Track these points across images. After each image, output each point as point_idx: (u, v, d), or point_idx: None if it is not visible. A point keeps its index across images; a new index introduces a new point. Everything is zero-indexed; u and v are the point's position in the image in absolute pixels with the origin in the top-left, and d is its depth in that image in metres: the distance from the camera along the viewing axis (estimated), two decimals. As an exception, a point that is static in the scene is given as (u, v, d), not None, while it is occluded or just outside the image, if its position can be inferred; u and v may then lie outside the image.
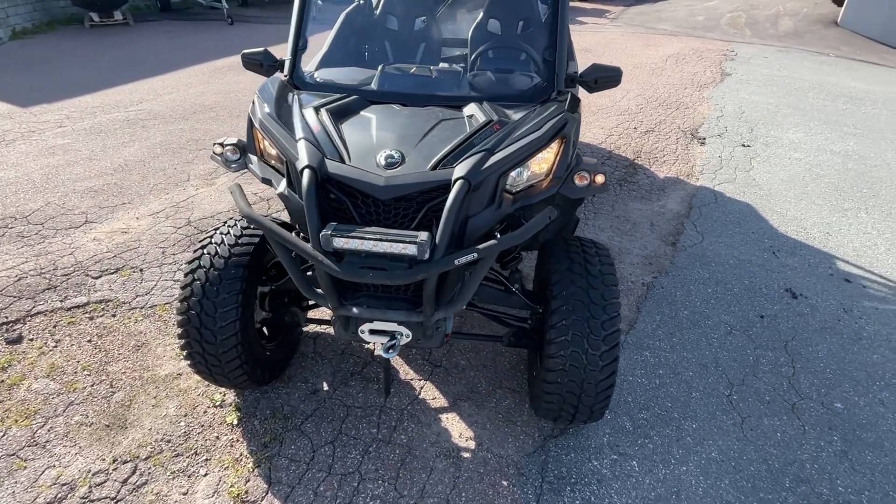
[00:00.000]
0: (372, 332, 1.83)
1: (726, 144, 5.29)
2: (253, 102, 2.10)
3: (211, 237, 2.06)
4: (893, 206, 4.22)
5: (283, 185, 1.86)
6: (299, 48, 2.36)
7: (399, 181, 1.66)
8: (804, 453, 2.14)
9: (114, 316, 2.82)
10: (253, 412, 2.24)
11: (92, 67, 7.55)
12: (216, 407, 2.27)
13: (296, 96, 2.13)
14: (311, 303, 2.47)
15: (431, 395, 2.35)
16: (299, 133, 1.83)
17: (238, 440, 2.12)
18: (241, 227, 2.09)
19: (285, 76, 2.30)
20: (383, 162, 1.72)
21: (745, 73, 8.05)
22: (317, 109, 1.97)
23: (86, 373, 2.45)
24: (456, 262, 1.59)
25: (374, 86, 2.23)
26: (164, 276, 3.13)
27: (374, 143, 1.80)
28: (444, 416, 2.25)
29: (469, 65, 2.59)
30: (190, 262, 1.99)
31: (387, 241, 1.59)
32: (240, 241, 2.03)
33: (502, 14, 3.19)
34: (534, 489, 1.94)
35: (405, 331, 1.79)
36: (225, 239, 2.03)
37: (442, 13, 3.34)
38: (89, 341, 2.64)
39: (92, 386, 2.38)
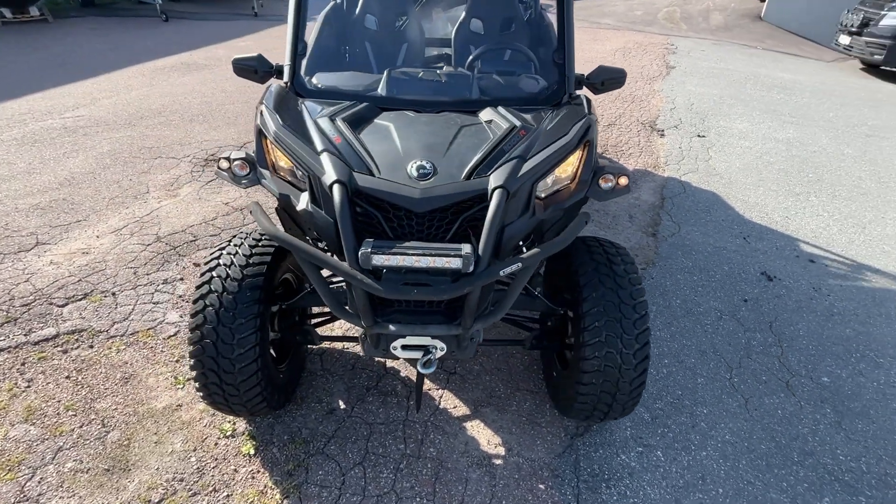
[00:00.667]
0: (404, 347, 1.78)
1: (683, 135, 5.56)
2: (261, 113, 1.97)
3: (218, 258, 1.93)
4: (837, 189, 4.60)
5: (305, 202, 1.76)
6: (299, 53, 2.24)
7: (435, 193, 1.62)
8: (804, 427, 2.30)
9: (91, 347, 2.58)
10: (269, 439, 2.13)
11: (12, 70, 6.85)
12: (227, 437, 2.14)
13: (303, 105, 2.01)
14: (320, 319, 2.38)
15: (452, 403, 2.33)
16: (320, 145, 1.74)
17: (259, 471, 2.01)
18: (249, 246, 1.97)
19: (285, 83, 2.18)
20: (415, 173, 1.66)
21: (687, 65, 8.48)
22: (331, 119, 1.88)
23: (70, 413, 2.23)
24: (501, 272, 1.57)
25: (382, 92, 2.15)
26: (140, 298, 2.90)
27: (401, 154, 1.74)
28: (468, 425, 2.23)
29: (467, 66, 2.56)
30: (199, 287, 1.85)
31: (430, 255, 1.54)
32: (251, 261, 1.90)
33: (485, 14, 3.17)
34: (571, 489, 1.97)
35: (439, 344, 1.75)
36: (235, 259, 1.90)
37: (422, 12, 3.27)
38: (68, 377, 2.41)
39: (81, 427, 2.17)
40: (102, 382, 2.39)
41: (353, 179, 1.63)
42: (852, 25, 9.11)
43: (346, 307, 1.73)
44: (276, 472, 2.00)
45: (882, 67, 9.09)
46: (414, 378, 2.43)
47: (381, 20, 3.17)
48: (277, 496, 1.91)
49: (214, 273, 1.86)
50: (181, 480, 1.97)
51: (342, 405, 2.29)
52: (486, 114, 2.01)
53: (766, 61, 9.41)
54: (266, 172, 1.92)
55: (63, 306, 2.82)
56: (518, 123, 1.86)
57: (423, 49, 3.27)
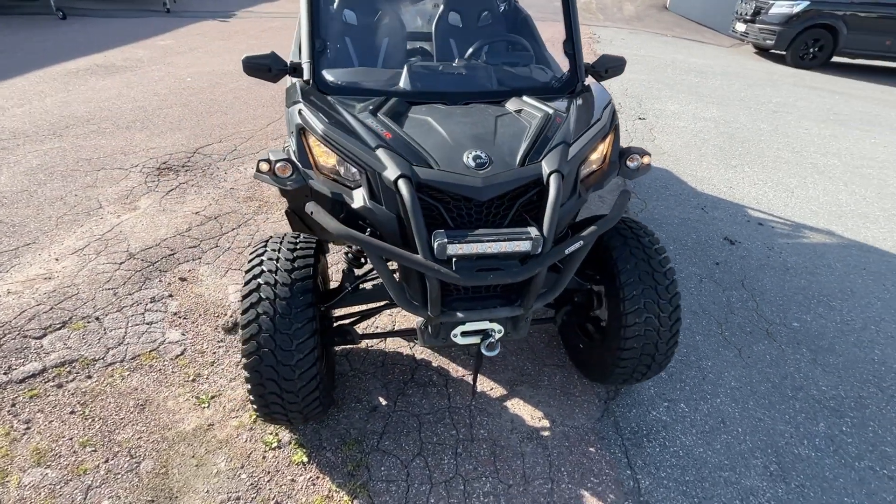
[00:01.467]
0: (464, 333, 1.83)
1: (626, 119, 5.97)
2: (300, 112, 1.90)
3: (259, 264, 1.86)
4: (763, 160, 5.18)
5: (361, 200, 1.74)
6: (317, 49, 2.18)
7: (496, 181, 1.68)
8: (790, 367, 2.63)
9: (90, 377, 2.37)
10: (319, 445, 2.09)
11: None
12: (274, 449, 2.07)
13: (335, 102, 1.98)
14: (350, 320, 2.35)
15: (488, 386, 2.41)
16: (372, 141, 1.73)
17: (318, 477, 1.98)
18: (289, 248, 1.91)
19: (306, 81, 2.11)
20: (472, 163, 1.71)
21: (612, 53, 9.04)
22: (373, 114, 1.87)
23: (89, 449, 2.06)
24: (566, 251, 1.67)
25: (408, 86, 2.15)
26: (131, 320, 2.69)
27: (453, 145, 1.77)
28: (508, 404, 2.32)
29: (467, 58, 2.61)
30: (247, 297, 1.78)
31: (502, 240, 1.61)
32: (296, 264, 1.86)
33: (462, 7, 3.24)
34: (619, 447, 2.13)
35: (497, 326, 1.83)
36: (279, 264, 1.85)
37: (400, 6, 3.27)
38: (73, 412, 2.20)
39: (106, 462, 2.01)
40: (115, 413, 2.21)
41: (416, 173, 1.65)
42: (746, 14, 10.15)
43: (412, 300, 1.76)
44: (337, 476, 1.98)
45: (773, 51, 10.22)
46: (447, 366, 2.48)
47: (359, 15, 3.14)
48: (345, 498, 1.90)
49: (261, 280, 1.80)
50: (238, 499, 1.90)
51: (383, 402, 2.30)
52: (513, 103, 2.09)
53: (678, 48, 10.25)
54: (311, 172, 1.87)
55: (41, 338, 2.56)
56: (551, 111, 1.96)
57: (404, 43, 3.28)
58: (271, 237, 2.00)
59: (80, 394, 2.29)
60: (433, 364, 2.50)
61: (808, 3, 9.08)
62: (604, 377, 2.21)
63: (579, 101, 2.13)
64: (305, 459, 2.03)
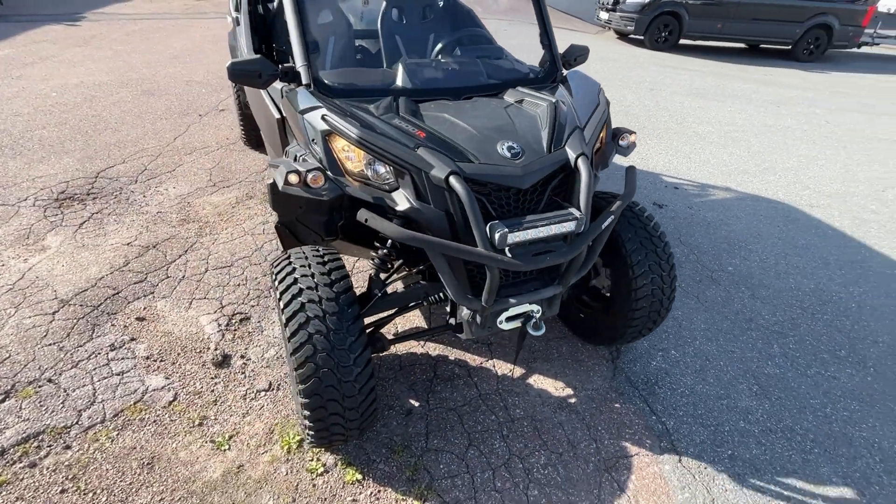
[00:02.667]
0: (508, 318, 1.91)
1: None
2: (324, 117, 1.79)
3: (292, 283, 1.74)
4: (659, 132, 5.87)
5: (406, 201, 1.71)
6: (311, 51, 2.04)
7: (533, 168, 1.76)
8: (738, 304, 3.09)
9: (69, 448, 2.03)
10: (368, 459, 2.03)
11: None
12: (322, 475, 1.97)
13: (348, 105, 1.89)
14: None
15: (506, 369, 2.50)
16: (409, 141, 1.70)
17: (379, 490, 1.93)
18: (318, 262, 1.82)
19: (306, 85, 1.98)
20: (508, 154, 1.77)
21: (502, 44, 9.49)
22: (396, 114, 1.83)
23: (104, 525, 1.79)
24: (602, 226, 1.81)
25: (408, 84, 2.11)
26: (95, 374, 2.34)
27: (482, 138, 1.81)
28: (531, 381, 2.44)
29: (436, 55, 2.64)
30: (292, 319, 1.67)
31: (553, 223, 1.70)
32: (333, 276, 1.78)
33: (404, 2, 3.24)
34: (639, 398, 2.36)
35: (536, 307, 1.92)
36: (316, 279, 1.75)
37: (344, 4, 3.18)
38: (63, 491, 1.88)
39: (132, 534, 1.77)
40: (119, 479, 1.93)
41: (461, 168, 1.67)
42: (608, 3, 11.27)
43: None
44: (398, 484, 1.94)
45: (632, 36, 11.48)
46: (463, 357, 2.53)
47: (326, 15, 3.00)
48: (416, 503, 1.88)
49: (303, 299, 1.69)
50: (303, 533, 1.79)
51: (416, 403, 2.28)
52: (512, 95, 2.17)
53: (560, 36, 11.04)
54: (343, 180, 1.78)
55: (-18, 416, 2.13)
56: (554, 100, 2.08)
57: (352, 42, 3.21)
58: (290, 253, 1.88)
59: (63, 468, 1.96)
60: (450, 358, 2.53)
61: (655, -8, 10.34)
62: (613, 339, 2.42)
63: (574, 89, 2.28)
64: (360, 476, 1.96)
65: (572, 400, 2.34)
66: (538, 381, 2.44)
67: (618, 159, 4.87)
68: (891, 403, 2.46)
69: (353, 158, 1.78)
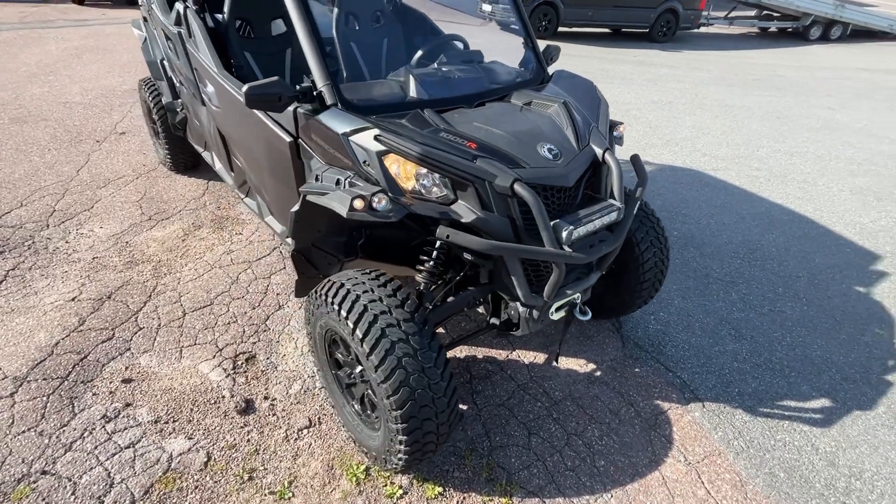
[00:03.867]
0: (557, 309, 2.03)
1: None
2: (377, 137, 1.70)
3: (364, 310, 1.68)
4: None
5: (472, 213, 1.72)
6: (331, 69, 1.92)
7: (574, 166, 1.87)
8: (693, 263, 3.53)
9: (105, 540, 1.78)
10: (441, 470, 2.04)
11: None
12: (402, 497, 1.95)
13: (385, 122, 1.82)
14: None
15: (528, 358, 2.63)
16: (464, 154, 1.72)
17: (465, 498, 1.95)
18: (377, 283, 1.78)
19: (333, 104, 1.86)
20: (549, 156, 1.86)
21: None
22: (437, 128, 1.83)
23: None
24: (633, 212, 1.99)
25: (423, 95, 2.08)
26: (100, 453, 2.05)
27: (520, 143, 1.87)
28: (556, 365, 2.60)
29: (417, 62, 2.63)
30: (376, 346, 1.62)
31: (603, 216, 1.84)
32: (399, 296, 1.75)
33: (356, 8, 3.19)
34: (652, 358, 2.63)
35: (578, 294, 2.07)
36: (387, 302, 1.71)
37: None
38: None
39: None
40: (182, 558, 1.74)
41: (519, 174, 1.73)
42: (489, -4, 11.75)
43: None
44: (480, 486, 1.99)
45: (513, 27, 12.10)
46: (490, 353, 2.61)
47: (254, 25, 2.83)
48: (503, 500, 1.94)
49: (380, 325, 1.65)
50: (407, 558, 1.76)
51: (465, 406, 2.32)
52: (518, 97, 2.25)
53: (449, 29, 11.28)
54: (404, 199, 1.73)
55: (-27, 532, 1.78)
56: (562, 99, 2.20)
57: (354, 52, 3.09)
58: (339, 280, 1.81)
59: (108, 564, 1.71)
60: (479, 357, 2.60)
61: (533, -15, 11.01)
62: (621, 311, 2.66)
63: (569, 88, 2.42)
64: (440, 489, 1.97)
65: (598, 373, 2.54)
66: (563, 363, 2.60)
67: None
68: (825, 325, 3.01)
69: (401, 176, 1.76)
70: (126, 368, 2.44)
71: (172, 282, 3.02)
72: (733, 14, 13.54)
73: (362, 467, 2.03)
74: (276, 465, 2.04)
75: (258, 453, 2.09)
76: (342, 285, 1.80)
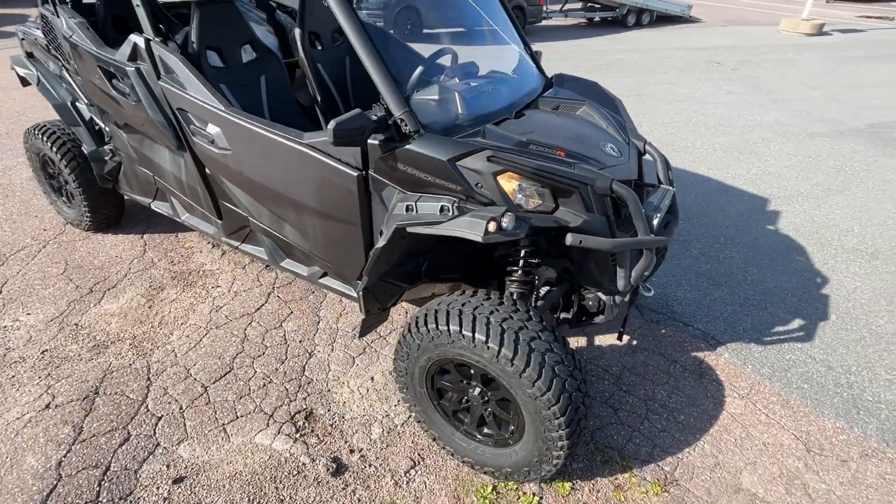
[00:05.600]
0: (626, 291, 2.22)
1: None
2: (490, 159, 1.66)
3: (501, 332, 1.68)
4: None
5: (579, 217, 1.79)
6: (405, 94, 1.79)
7: (633, 161, 2.06)
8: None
9: None
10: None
11: None
12: (541, 502, 1.99)
13: (477, 142, 1.79)
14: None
15: (572, 343, 2.80)
16: (564, 164, 1.79)
17: (593, 483, 2.05)
18: (498, 302, 1.79)
19: (414, 132, 1.76)
20: (615, 153, 2.02)
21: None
22: (522, 142, 1.86)
23: None
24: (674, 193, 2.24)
25: (475, 111, 2.07)
26: (201, 567, 1.75)
27: (588, 146, 1.99)
28: (596, 343, 2.80)
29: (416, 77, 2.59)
30: (529, 364, 1.64)
31: (666, 199, 2.05)
32: (516, 305, 1.79)
33: (318, 27, 3.05)
34: (670, 319, 2.96)
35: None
36: (516, 316, 1.73)
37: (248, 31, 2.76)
38: None
39: None
40: None
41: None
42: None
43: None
44: (600, 468, 2.10)
45: (380, 31, 12.16)
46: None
47: (225, 54, 2.57)
48: (628, 475, 2.08)
49: (524, 339, 1.67)
50: (576, 557, 1.82)
51: (546, 402, 2.41)
52: (545, 103, 2.35)
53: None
54: (520, 213, 1.73)
55: None
56: (584, 101, 2.36)
57: (285, 79, 2.88)
58: (456, 307, 1.78)
59: None
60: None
61: (393, -11, 11.17)
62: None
63: (584, 89, 2.57)
64: (570, 484, 2.05)
65: (635, 342, 2.81)
66: (600, 341, 2.82)
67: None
68: (765, 261, 3.65)
69: (507, 192, 1.78)
70: (168, 467, 2.07)
71: (167, 356, 2.60)
72: (567, 7, 15.17)
73: (489, 488, 2.02)
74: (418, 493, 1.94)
75: (398, 486, 1.95)
76: (460, 312, 1.77)
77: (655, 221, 1.93)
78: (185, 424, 2.25)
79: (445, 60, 2.75)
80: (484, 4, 2.71)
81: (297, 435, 2.22)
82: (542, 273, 2.18)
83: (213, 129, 2.18)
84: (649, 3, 15.44)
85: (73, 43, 2.58)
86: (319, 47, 3.08)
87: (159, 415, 2.29)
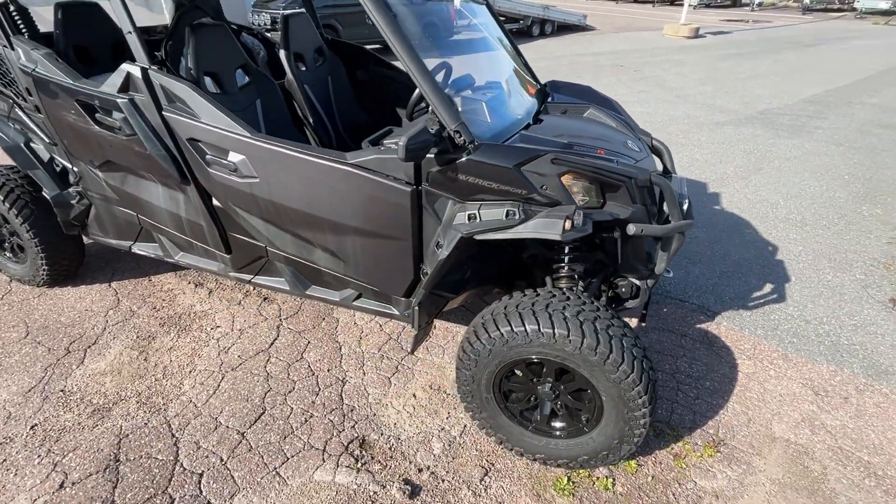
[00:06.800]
0: (651, 274, 2.40)
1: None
2: (554, 161, 1.73)
3: (567, 318, 1.77)
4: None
5: (626, 208, 1.91)
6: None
7: (651, 156, 2.25)
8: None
9: None
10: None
11: None
12: (614, 482, 2.08)
13: (530, 147, 1.86)
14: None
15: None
16: (608, 161, 1.91)
17: (654, 455, 2.18)
18: (548, 294, 1.89)
19: (472, 142, 1.77)
20: (637, 149, 2.18)
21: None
22: (565, 143, 1.95)
23: None
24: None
25: (505, 120, 2.12)
26: None
27: (615, 144, 2.13)
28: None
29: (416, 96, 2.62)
30: (612, 348, 1.74)
31: (685, 187, 2.25)
32: (582, 297, 1.89)
33: (302, 47, 3.01)
34: (666, 298, 3.21)
35: None
36: (587, 307, 1.83)
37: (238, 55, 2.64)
38: None
39: None
40: None
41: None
42: (265, 22, 11.30)
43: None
44: (656, 444, 2.23)
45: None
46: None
47: (222, 79, 2.46)
48: (680, 446, 2.24)
49: (603, 328, 1.77)
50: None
51: (587, 390, 2.51)
52: (554, 108, 2.47)
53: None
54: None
55: None
56: (587, 104, 2.52)
57: (282, 105, 2.80)
58: (528, 308, 1.84)
59: None
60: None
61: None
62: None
63: (581, 93, 2.73)
64: (634, 463, 2.16)
65: (643, 324, 3.01)
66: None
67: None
68: (724, 237, 4.06)
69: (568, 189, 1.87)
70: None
71: (185, 408, 2.38)
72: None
73: (564, 480, 2.08)
74: (495, 522, 1.94)
75: (469, 521, 1.94)
76: (533, 311, 1.83)
77: (685, 207, 2.11)
78: (232, 476, 2.08)
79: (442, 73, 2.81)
80: (477, 14, 2.80)
81: (358, 464, 2.13)
82: (579, 266, 2.29)
83: (235, 157, 2.06)
84: (550, 14, 16.52)
85: (37, 77, 2.30)
86: (303, 68, 3.01)
87: (199, 471, 2.09)
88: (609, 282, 2.37)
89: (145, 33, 3.17)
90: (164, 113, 2.11)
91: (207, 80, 2.39)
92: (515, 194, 1.83)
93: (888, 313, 3.12)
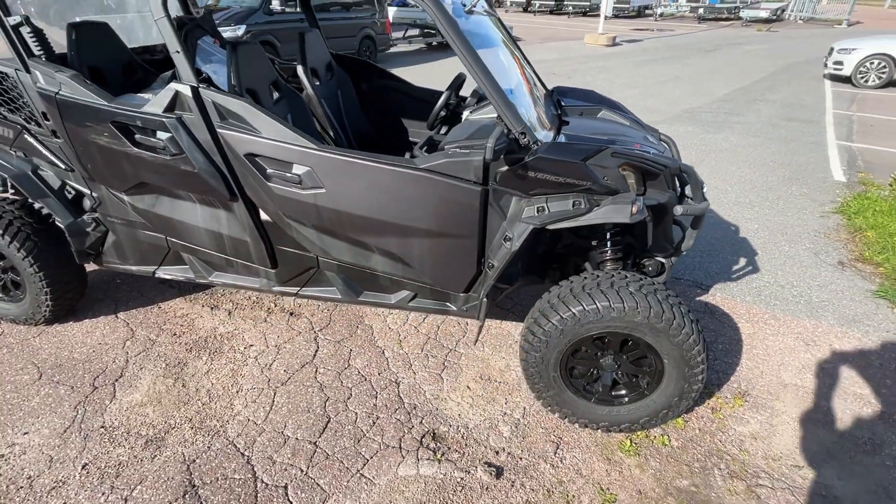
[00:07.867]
0: (668, 253, 2.70)
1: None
2: (614, 154, 1.94)
3: (633, 292, 2.00)
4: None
5: (664, 194, 2.16)
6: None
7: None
8: (597, 214, 4.67)
9: None
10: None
11: None
12: (671, 440, 2.32)
13: (591, 144, 2.07)
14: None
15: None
16: (646, 152, 2.15)
17: (699, 413, 2.45)
18: (607, 275, 2.12)
19: (534, 142, 1.93)
20: (656, 143, 2.46)
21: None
22: (605, 140, 2.18)
23: None
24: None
25: (546, 122, 2.31)
26: None
27: (636, 139, 2.40)
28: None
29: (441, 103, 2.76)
30: (675, 316, 1.97)
31: (698, 174, 2.56)
32: (671, 299, 2.11)
33: (315, 62, 3.08)
34: (669, 280, 3.55)
35: None
36: (646, 282, 2.06)
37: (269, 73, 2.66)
38: None
39: None
40: None
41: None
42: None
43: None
44: (697, 402, 2.52)
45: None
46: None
47: (260, 97, 2.50)
48: (719, 401, 2.53)
49: (663, 298, 2.00)
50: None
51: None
52: (571, 110, 2.71)
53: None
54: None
55: None
56: (597, 105, 2.78)
57: (309, 115, 2.85)
58: (597, 288, 2.05)
59: None
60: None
61: (245, 27, 10.74)
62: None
63: (587, 97, 2.97)
64: (681, 420, 2.42)
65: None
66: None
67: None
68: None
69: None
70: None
71: (245, 427, 2.35)
72: (409, 34, 16.08)
73: (627, 443, 2.29)
74: (578, 488, 2.10)
75: (551, 493, 2.09)
76: (602, 291, 2.03)
77: (704, 191, 2.42)
78: (317, 484, 2.09)
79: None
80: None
81: (437, 455, 2.22)
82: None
83: (300, 169, 2.09)
84: (478, 27, 17.16)
85: (62, 100, 2.20)
86: (317, 82, 3.06)
87: (283, 484, 2.09)
88: (637, 263, 2.63)
89: (146, 52, 3.08)
90: (218, 130, 2.11)
91: (248, 97, 2.40)
92: (579, 186, 2.03)
93: (840, 273, 3.65)
